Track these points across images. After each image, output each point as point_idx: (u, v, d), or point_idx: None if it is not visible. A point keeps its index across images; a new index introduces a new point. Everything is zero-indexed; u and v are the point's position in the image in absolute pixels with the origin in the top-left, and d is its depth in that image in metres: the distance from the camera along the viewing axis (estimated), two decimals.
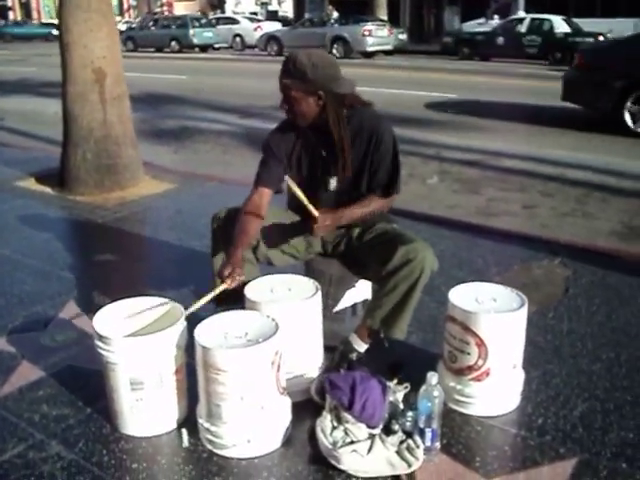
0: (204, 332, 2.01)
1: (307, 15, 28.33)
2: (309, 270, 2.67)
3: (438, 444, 2.00)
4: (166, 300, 2.25)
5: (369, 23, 21.01)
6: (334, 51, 20.76)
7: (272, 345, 1.97)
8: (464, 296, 2.24)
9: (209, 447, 2.05)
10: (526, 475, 1.94)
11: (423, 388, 1.95)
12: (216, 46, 25.42)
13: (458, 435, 2.12)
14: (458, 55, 19.58)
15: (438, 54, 20.82)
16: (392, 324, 2.28)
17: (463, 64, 17.80)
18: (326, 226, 2.29)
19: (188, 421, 2.17)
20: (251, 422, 1.99)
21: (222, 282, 2.20)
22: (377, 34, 20.80)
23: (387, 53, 21.66)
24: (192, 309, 2.19)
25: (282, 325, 2.01)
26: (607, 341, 2.75)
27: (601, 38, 15.56)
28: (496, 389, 2.21)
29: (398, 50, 22.18)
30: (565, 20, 18.05)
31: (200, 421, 2.07)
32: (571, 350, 2.68)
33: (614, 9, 18.04)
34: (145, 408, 2.09)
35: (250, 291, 2.27)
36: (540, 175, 5.92)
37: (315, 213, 2.27)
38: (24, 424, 2.20)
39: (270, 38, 22.62)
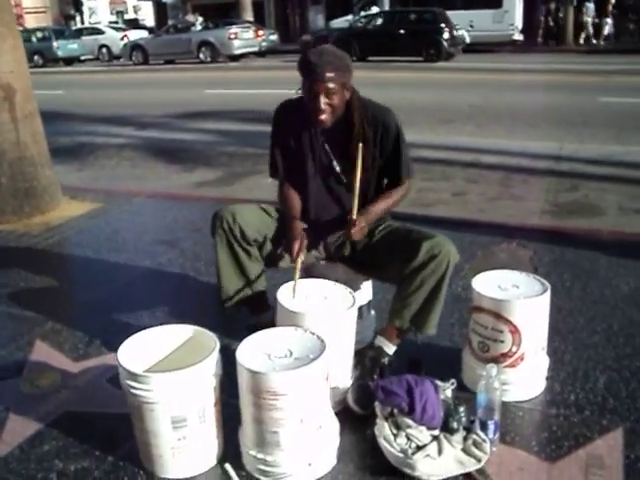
0: (247, 356, 1.88)
1: (171, 21, 27.66)
2: (311, 275, 2.57)
3: (498, 435, 2.00)
4: (190, 327, 2.08)
5: (234, 26, 20.86)
6: (201, 56, 20.43)
7: (325, 360, 1.87)
8: (488, 285, 2.25)
9: (264, 479, 1.92)
10: (585, 452, 1.97)
11: (483, 381, 1.93)
12: (82, 58, 24.22)
13: (505, 423, 2.11)
14: None
15: (298, 53, 21.06)
16: (423, 321, 2.25)
17: None
18: (362, 228, 2.23)
19: (227, 454, 2.02)
20: (311, 444, 1.88)
21: (295, 257, 2.26)
22: (243, 37, 20.73)
23: (259, 55, 21.59)
24: (293, 293, 2.19)
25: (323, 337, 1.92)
26: (594, 314, 2.88)
27: None
28: (530, 373, 2.24)
29: (270, 51, 22.21)
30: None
31: (251, 452, 1.91)
32: (566, 326, 2.77)
33: (474, 1, 19.12)
34: (188, 446, 1.91)
35: (285, 299, 2.15)
36: (458, 162, 6.15)
37: (355, 216, 2.21)
38: None
39: (134, 47, 21.85)
